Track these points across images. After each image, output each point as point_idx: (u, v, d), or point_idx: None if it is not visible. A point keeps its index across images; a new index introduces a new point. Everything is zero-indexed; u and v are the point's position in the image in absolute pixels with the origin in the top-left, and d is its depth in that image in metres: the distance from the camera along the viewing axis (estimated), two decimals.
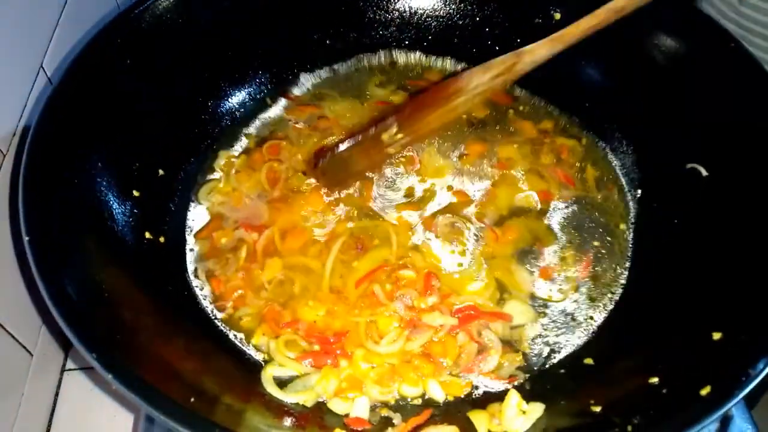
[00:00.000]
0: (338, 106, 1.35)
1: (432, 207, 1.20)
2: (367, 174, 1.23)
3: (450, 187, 1.23)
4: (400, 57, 1.44)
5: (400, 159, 1.25)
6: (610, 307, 1.10)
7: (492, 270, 1.12)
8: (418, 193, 1.22)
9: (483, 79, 1.07)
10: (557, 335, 1.07)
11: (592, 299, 1.11)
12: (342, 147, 1.17)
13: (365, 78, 1.41)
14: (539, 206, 1.21)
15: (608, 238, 1.17)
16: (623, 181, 1.25)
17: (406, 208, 1.19)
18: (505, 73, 1.06)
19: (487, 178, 1.24)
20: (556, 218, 1.20)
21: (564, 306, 1.10)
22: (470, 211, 1.20)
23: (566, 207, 1.21)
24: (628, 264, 1.15)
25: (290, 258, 1.12)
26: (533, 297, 1.10)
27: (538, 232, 1.17)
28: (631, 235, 1.18)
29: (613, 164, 1.28)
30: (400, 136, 1.11)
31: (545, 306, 1.10)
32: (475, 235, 1.17)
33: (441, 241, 1.16)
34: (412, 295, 1.07)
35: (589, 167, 1.26)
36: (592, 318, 1.09)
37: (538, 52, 1.04)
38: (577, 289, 1.11)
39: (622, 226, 1.18)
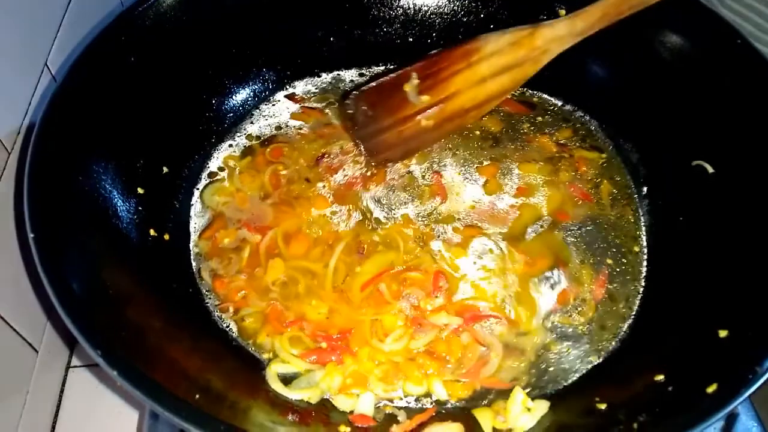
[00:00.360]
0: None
1: (450, 227, 1.18)
2: (402, 151, 1.19)
3: (472, 209, 1.20)
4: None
5: (424, 185, 1.23)
6: (623, 323, 1.08)
7: (507, 285, 1.11)
8: (437, 213, 1.20)
9: (500, 44, 1.04)
10: (564, 344, 1.06)
11: (603, 326, 1.08)
12: (365, 87, 1.16)
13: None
14: (555, 224, 1.19)
15: (623, 259, 1.15)
16: (630, 184, 1.25)
17: (419, 231, 1.17)
18: (524, 45, 1.03)
19: (509, 204, 1.21)
20: (571, 236, 1.17)
21: (577, 324, 1.08)
22: (488, 229, 1.18)
23: (581, 226, 1.19)
24: (642, 278, 1.13)
25: (293, 261, 1.12)
26: (548, 319, 1.08)
27: (555, 250, 1.15)
28: (645, 249, 1.17)
29: (627, 177, 1.26)
30: (426, 97, 1.07)
31: (556, 325, 1.08)
32: (495, 251, 1.15)
33: (455, 252, 1.14)
34: (419, 295, 1.07)
35: (605, 182, 1.25)
36: (603, 330, 1.08)
37: (557, 27, 1.01)
38: (595, 311, 1.09)
39: (636, 248, 1.17)
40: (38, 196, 0.87)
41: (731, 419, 1.01)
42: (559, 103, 1.37)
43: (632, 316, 1.08)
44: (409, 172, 1.25)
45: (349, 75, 1.41)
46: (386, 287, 1.08)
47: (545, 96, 1.38)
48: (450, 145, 1.29)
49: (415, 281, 1.09)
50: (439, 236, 1.16)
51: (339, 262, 1.11)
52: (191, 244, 1.16)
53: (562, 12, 1.31)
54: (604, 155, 1.29)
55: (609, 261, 1.15)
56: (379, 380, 1.00)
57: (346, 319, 1.05)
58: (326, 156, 1.26)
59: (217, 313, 1.08)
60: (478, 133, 1.31)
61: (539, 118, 1.35)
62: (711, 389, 0.77)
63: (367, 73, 1.42)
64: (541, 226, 1.18)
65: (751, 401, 1.03)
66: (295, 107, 1.35)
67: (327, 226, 1.17)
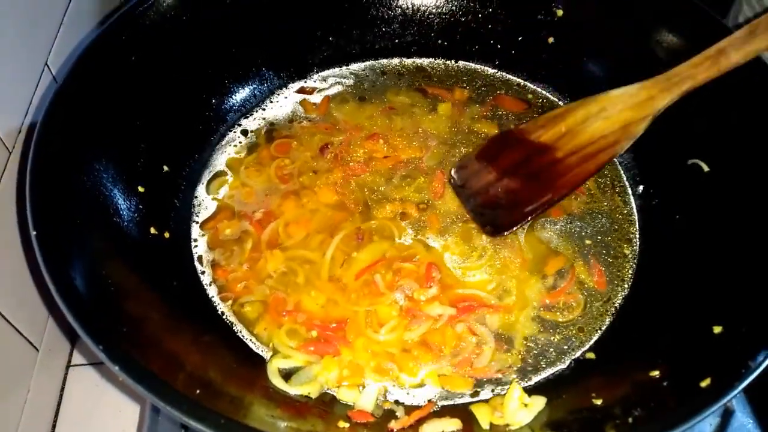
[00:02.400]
0: (347, 107, 1.36)
1: (445, 220, 1.19)
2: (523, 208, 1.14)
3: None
4: (413, 61, 1.45)
5: (424, 179, 1.24)
6: (614, 312, 1.10)
7: (500, 277, 1.12)
8: (434, 207, 1.21)
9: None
10: (553, 336, 1.07)
11: (594, 320, 1.09)
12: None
13: (375, 80, 1.42)
14: (548, 219, 1.19)
15: (616, 255, 1.16)
16: (626, 183, 1.26)
17: (414, 222, 1.18)
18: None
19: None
20: (563, 230, 1.18)
21: (569, 319, 1.09)
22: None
23: (573, 220, 1.20)
24: (636, 274, 1.14)
25: (292, 251, 1.14)
26: (538, 311, 1.09)
27: (547, 244, 1.16)
28: (640, 246, 1.18)
29: (619, 171, 1.28)
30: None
31: (549, 321, 1.09)
32: (487, 245, 1.16)
33: (449, 244, 1.15)
34: (412, 286, 1.08)
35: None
36: (595, 323, 1.09)
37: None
38: (583, 307, 1.10)
39: (630, 245, 1.18)
40: (40, 195, 0.87)
41: (727, 415, 1.02)
42: (555, 99, 1.39)
43: (625, 312, 1.09)
44: (413, 166, 1.26)
45: (349, 73, 1.43)
46: (381, 278, 1.09)
47: (542, 92, 1.40)
48: (448, 146, 1.30)
49: (408, 272, 1.10)
50: (433, 228, 1.17)
51: (337, 250, 1.13)
52: (192, 237, 1.17)
53: (559, 12, 1.32)
54: None
55: (603, 256, 1.16)
56: (374, 371, 1.01)
57: (342, 309, 1.07)
58: (329, 146, 1.28)
59: (217, 304, 1.09)
60: (473, 137, 1.31)
61: (534, 116, 1.35)
62: (705, 384, 0.78)
63: (367, 72, 1.43)
64: (536, 221, 1.19)
65: (746, 397, 1.04)
66: (296, 103, 1.37)
67: (329, 215, 1.18)
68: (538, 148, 1.13)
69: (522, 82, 1.42)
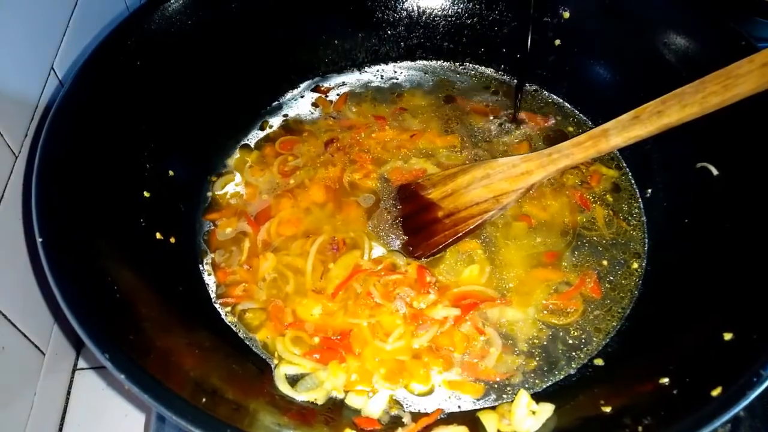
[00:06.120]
0: (356, 107, 1.38)
1: None
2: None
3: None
4: (420, 63, 1.46)
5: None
6: (622, 317, 1.09)
7: (498, 275, 1.12)
8: None
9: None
10: (555, 340, 1.06)
11: (598, 328, 1.08)
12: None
13: (383, 83, 1.43)
14: (555, 225, 1.19)
15: (625, 261, 1.16)
16: (634, 186, 1.25)
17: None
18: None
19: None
20: (569, 235, 1.18)
21: (569, 322, 1.09)
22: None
23: (582, 227, 1.19)
24: (645, 280, 1.13)
25: (281, 254, 1.14)
26: (538, 314, 1.09)
27: (550, 248, 1.16)
28: (649, 251, 1.17)
29: (625, 168, 1.27)
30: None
31: (549, 323, 1.09)
32: (486, 245, 1.16)
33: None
34: (409, 293, 1.07)
35: (609, 197, 1.24)
36: (603, 328, 1.08)
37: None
38: (582, 313, 1.09)
39: (640, 250, 1.17)
40: (46, 200, 0.87)
41: (737, 421, 1.01)
42: (560, 101, 1.39)
43: (634, 317, 1.08)
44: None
45: (356, 75, 1.43)
46: (375, 290, 1.08)
47: (548, 93, 1.40)
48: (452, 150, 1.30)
49: (399, 282, 1.09)
50: None
51: (316, 260, 1.12)
52: (197, 240, 1.17)
53: (566, 14, 1.31)
54: (617, 172, 1.28)
55: (608, 263, 1.15)
56: (384, 378, 1.00)
57: (341, 322, 1.06)
58: (335, 140, 1.29)
59: (220, 309, 1.09)
60: (480, 143, 1.31)
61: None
62: (716, 392, 0.77)
63: (371, 75, 1.43)
64: (541, 226, 1.19)
65: (756, 403, 1.02)
66: (304, 105, 1.38)
67: (317, 215, 1.19)
68: (426, 205, 1.16)
69: (529, 85, 1.41)
